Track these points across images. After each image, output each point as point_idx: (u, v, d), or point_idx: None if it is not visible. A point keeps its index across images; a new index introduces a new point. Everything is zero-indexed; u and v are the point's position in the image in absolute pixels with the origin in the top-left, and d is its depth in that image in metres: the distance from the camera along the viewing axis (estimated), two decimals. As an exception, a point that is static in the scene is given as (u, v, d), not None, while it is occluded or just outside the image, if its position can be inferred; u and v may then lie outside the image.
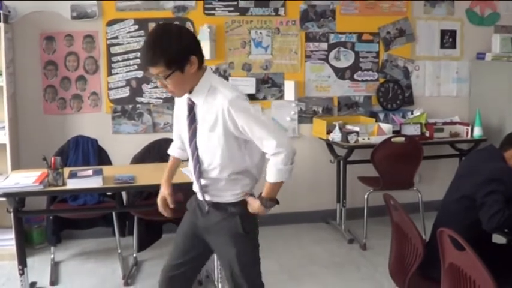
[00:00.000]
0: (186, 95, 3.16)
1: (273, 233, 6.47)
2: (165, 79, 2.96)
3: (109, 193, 5.43)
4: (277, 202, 3.27)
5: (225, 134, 3.09)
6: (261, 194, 3.22)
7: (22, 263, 4.70)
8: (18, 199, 4.53)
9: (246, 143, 3.16)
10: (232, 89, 3.12)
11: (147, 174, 4.77)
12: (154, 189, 5.07)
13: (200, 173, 3.25)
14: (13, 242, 5.74)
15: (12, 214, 4.62)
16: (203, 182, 3.27)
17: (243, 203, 3.25)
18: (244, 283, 3.30)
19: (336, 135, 6.14)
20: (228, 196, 3.25)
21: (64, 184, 4.45)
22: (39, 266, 4.52)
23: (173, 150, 3.71)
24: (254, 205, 3.23)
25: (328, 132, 6.27)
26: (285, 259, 5.79)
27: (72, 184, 4.44)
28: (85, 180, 4.48)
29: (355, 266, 5.64)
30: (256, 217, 3.32)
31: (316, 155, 6.69)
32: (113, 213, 5.49)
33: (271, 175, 3.14)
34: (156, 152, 5.52)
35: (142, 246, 5.55)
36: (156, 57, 2.92)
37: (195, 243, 3.41)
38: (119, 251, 5.72)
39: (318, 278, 5.36)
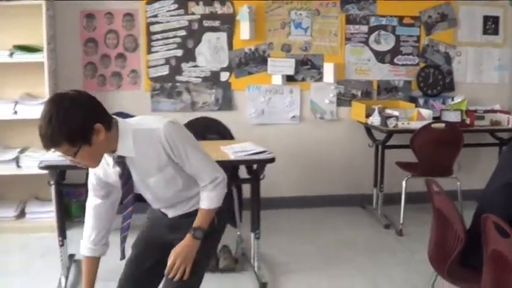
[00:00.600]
0: (107, 157, 2.89)
1: (308, 215, 6.50)
2: (74, 157, 2.68)
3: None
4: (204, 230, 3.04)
5: (174, 163, 2.92)
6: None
7: (62, 234, 4.75)
8: (59, 172, 4.57)
9: None
10: (157, 119, 2.89)
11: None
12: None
13: (160, 205, 3.13)
14: (52, 215, 5.86)
15: (53, 187, 4.66)
16: (164, 210, 3.16)
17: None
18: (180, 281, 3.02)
19: (375, 119, 6.08)
20: (193, 206, 3.11)
21: (104, 159, 4.46)
22: (77, 238, 4.50)
23: (86, 248, 3.15)
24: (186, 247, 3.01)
25: (367, 115, 6.22)
26: (320, 242, 5.77)
27: (111, 158, 4.46)
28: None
29: (391, 252, 5.59)
30: (219, 229, 3.25)
31: (354, 139, 6.65)
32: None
33: (210, 201, 3.00)
34: (195, 131, 5.47)
35: None
36: (55, 137, 2.59)
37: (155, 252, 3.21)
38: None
39: (353, 262, 5.33)
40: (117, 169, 2.88)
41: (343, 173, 6.75)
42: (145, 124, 2.85)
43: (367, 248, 5.68)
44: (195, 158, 2.91)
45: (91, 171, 3.00)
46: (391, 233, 6.03)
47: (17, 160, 5.96)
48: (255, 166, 4.87)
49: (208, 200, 2.98)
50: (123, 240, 3.08)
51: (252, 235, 4.95)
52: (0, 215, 6.06)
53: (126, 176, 2.89)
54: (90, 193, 3.06)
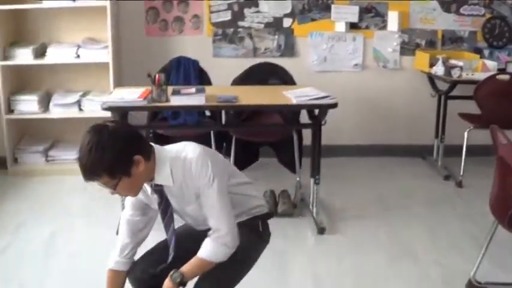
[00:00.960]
0: (145, 184, 2.83)
1: (368, 164, 6.49)
2: (114, 189, 2.66)
3: (208, 114, 5.52)
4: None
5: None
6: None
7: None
8: (121, 113, 4.63)
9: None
10: (188, 151, 2.76)
11: (249, 95, 4.79)
12: (256, 110, 5.16)
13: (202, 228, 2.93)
14: (112, 158, 5.94)
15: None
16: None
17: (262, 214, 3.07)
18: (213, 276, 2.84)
19: (438, 69, 5.99)
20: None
21: (167, 101, 4.51)
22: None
23: (116, 262, 3.02)
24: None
25: (431, 65, 6.12)
26: (379, 191, 5.78)
27: (175, 101, 4.51)
28: (188, 97, 4.55)
29: (450, 203, 5.57)
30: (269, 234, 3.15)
31: (417, 89, 6.56)
32: (211, 134, 5.56)
33: (205, 251, 2.79)
34: (257, 76, 5.54)
35: (238, 167, 5.51)
36: (94, 169, 2.56)
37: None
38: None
39: (411, 211, 5.33)
40: (155, 197, 2.84)
41: (404, 122, 6.70)
42: (181, 156, 2.75)
43: (426, 198, 5.66)
44: (211, 199, 2.76)
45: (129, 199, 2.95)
46: (451, 185, 5.98)
47: (78, 103, 6.09)
48: (316, 111, 4.86)
49: (205, 249, 2.79)
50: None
51: (312, 181, 4.97)
52: (61, 157, 6.22)
53: (164, 204, 2.84)
54: (128, 208, 2.96)
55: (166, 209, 2.83)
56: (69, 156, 6.15)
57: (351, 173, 6.25)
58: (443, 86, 6.19)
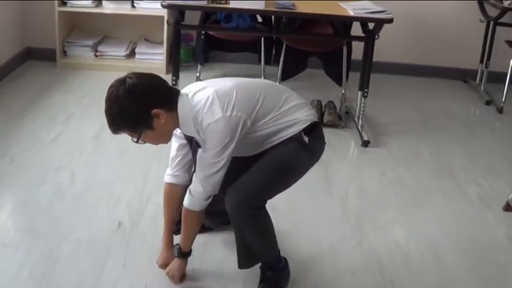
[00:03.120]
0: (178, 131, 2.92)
1: (413, 83, 6.56)
2: (137, 141, 2.75)
3: (260, 20, 5.54)
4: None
5: None
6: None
7: (176, 74, 4.93)
8: (179, 12, 4.68)
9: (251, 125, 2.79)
10: (216, 110, 2.69)
11: (305, 4, 4.80)
12: (315, 19, 5.18)
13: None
14: (161, 57, 6.06)
15: (172, 26, 4.80)
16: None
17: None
18: (265, 180, 2.85)
19: (491, -6, 5.96)
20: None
21: (227, 3, 4.55)
22: (184, 82, 4.70)
23: (166, 175, 3.16)
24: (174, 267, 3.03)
25: (483, -10, 6.09)
26: (421, 110, 5.84)
27: (235, 4, 4.54)
28: (248, 1, 4.56)
29: (490, 127, 5.65)
30: (322, 143, 3.04)
31: (466, 12, 6.50)
32: (262, 39, 5.59)
33: (187, 200, 2.87)
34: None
35: (286, 75, 5.59)
36: (116, 127, 2.68)
37: None
38: (263, 77, 5.80)
39: (451, 131, 5.41)
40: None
41: (450, 45, 6.68)
42: (202, 113, 2.70)
43: (466, 120, 5.73)
44: (213, 155, 2.72)
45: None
46: (492, 110, 6.02)
47: (132, 0, 6.11)
48: (371, 26, 4.88)
49: (187, 197, 2.86)
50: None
51: (360, 93, 5.04)
52: (112, 53, 6.30)
53: (194, 147, 2.90)
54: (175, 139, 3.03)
55: (196, 149, 2.88)
56: (118, 53, 6.26)
57: (394, 91, 6.29)
58: (493, 12, 6.15)
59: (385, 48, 6.20)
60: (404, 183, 4.37)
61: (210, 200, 2.84)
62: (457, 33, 6.63)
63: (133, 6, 6.09)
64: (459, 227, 3.85)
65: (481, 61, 6.45)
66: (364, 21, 4.94)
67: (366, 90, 4.98)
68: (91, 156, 4.39)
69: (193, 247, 3.04)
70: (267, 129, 2.83)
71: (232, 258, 3.17)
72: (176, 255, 3.03)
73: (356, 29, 5.25)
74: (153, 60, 6.21)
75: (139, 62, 6.25)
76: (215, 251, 3.37)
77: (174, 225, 3.17)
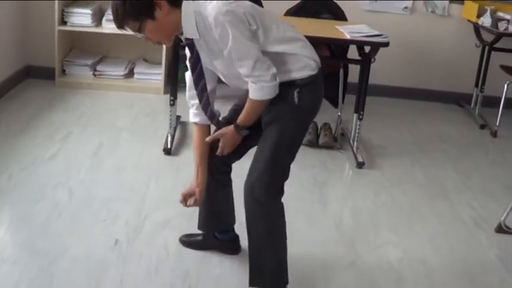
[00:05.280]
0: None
1: (408, 106, 6.64)
2: (140, 32, 2.77)
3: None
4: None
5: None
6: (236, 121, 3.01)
7: (173, 94, 4.99)
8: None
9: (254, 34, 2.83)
10: (218, 3, 2.74)
11: (302, 27, 4.83)
12: (311, 42, 5.21)
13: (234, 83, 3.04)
14: (159, 77, 6.13)
15: (170, 47, 4.88)
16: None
17: (304, 79, 2.96)
18: (262, 170, 2.96)
19: (485, 20, 6.03)
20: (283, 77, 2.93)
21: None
22: (182, 102, 4.77)
23: (193, 114, 3.18)
24: (227, 134, 3.03)
25: (478, 15, 6.15)
26: (416, 132, 5.90)
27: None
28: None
29: (484, 150, 5.71)
30: (318, 95, 3.12)
31: (462, 37, 6.61)
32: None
33: (253, 91, 2.86)
34: (310, 8, 5.57)
35: None
36: (120, 16, 2.72)
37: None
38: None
39: (446, 153, 5.47)
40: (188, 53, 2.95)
41: (446, 69, 6.77)
42: (205, 7, 2.75)
43: (461, 143, 5.79)
44: (239, 45, 2.76)
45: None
46: (486, 134, 6.09)
47: (131, 20, 6.16)
48: (367, 49, 4.96)
49: (252, 89, 2.86)
50: (217, 124, 3.08)
51: (355, 116, 5.11)
52: (110, 72, 6.35)
53: (195, 59, 2.92)
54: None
55: (196, 63, 2.93)
56: (116, 72, 6.32)
57: (390, 113, 6.36)
58: (488, 37, 6.25)
59: (382, 71, 6.28)
60: (398, 204, 4.42)
61: (277, 80, 2.83)
62: (453, 57, 6.72)
63: (132, 25, 6.13)
64: (452, 248, 3.90)
65: (476, 85, 6.54)
66: (360, 45, 5.01)
67: (361, 112, 5.05)
68: (89, 174, 4.42)
69: (187, 263, 3.09)
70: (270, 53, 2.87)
71: (228, 275, 3.23)
72: (238, 131, 3.00)
73: (353, 52, 5.32)
74: (151, 80, 6.28)
75: (137, 81, 6.32)
76: (211, 268, 3.41)
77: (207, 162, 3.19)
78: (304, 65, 2.97)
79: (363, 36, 4.78)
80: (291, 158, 3.05)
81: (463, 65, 6.72)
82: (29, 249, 3.45)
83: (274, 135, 2.94)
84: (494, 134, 6.01)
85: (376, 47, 4.81)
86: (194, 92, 3.04)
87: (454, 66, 6.76)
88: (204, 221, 3.46)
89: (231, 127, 3.00)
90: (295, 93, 2.92)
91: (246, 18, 2.76)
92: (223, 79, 3.04)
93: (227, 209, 3.44)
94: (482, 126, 6.22)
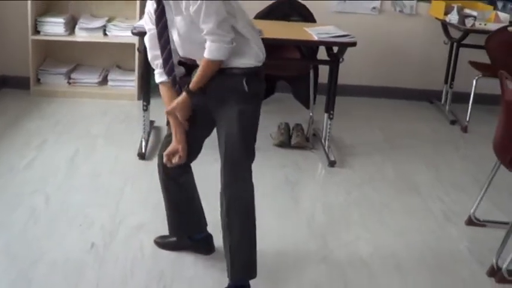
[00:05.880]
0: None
1: (379, 105, 6.75)
2: None
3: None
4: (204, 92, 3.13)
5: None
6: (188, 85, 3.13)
7: (146, 99, 5.04)
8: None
9: None
10: None
11: (272, 30, 4.95)
12: (279, 44, 5.30)
13: (185, 51, 3.19)
14: (133, 84, 6.18)
15: (142, 53, 4.90)
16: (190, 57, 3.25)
17: (252, 69, 3.13)
18: (241, 148, 3.12)
19: (453, 17, 6.15)
20: (229, 62, 3.10)
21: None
22: (155, 108, 4.85)
23: (158, 74, 3.27)
24: (179, 103, 3.13)
25: (446, 13, 6.27)
26: (387, 130, 6.00)
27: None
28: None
29: (455, 146, 5.82)
30: (263, 84, 3.26)
31: (430, 35, 6.73)
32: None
33: (209, 52, 3.00)
34: (279, 12, 5.66)
35: None
36: None
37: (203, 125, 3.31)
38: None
39: (417, 150, 5.58)
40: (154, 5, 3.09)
41: (416, 67, 6.89)
42: None
43: (431, 139, 5.90)
44: (205, 9, 2.92)
45: (146, 9, 3.18)
46: (456, 129, 6.22)
47: (104, 28, 6.25)
48: (335, 49, 5.05)
49: (211, 49, 2.99)
50: (173, 81, 3.20)
51: (326, 115, 5.20)
52: (84, 80, 6.40)
53: (160, 12, 3.06)
54: (145, 26, 3.20)
55: (161, 16, 3.07)
56: (90, 80, 6.37)
57: (361, 113, 6.47)
58: (456, 34, 6.37)
59: (353, 72, 6.39)
60: (369, 201, 4.52)
61: (233, 44, 3.00)
62: (422, 55, 6.85)
63: (105, 34, 6.23)
64: (422, 242, 4.00)
65: (446, 82, 6.66)
66: (328, 46, 5.12)
67: (331, 112, 5.14)
68: (65, 181, 4.47)
69: (162, 265, 3.16)
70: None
71: (202, 274, 3.31)
72: (185, 92, 3.10)
73: (322, 53, 5.41)
74: (125, 87, 6.34)
75: (111, 88, 6.38)
76: (186, 268, 3.47)
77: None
78: (254, 54, 3.13)
79: (330, 37, 4.88)
80: (255, 139, 3.23)
81: (433, 63, 6.84)
82: (6, 254, 3.50)
83: (237, 125, 3.08)
84: (464, 129, 6.14)
85: (343, 47, 4.91)
86: (157, 52, 3.17)
87: (424, 63, 6.88)
88: (174, 226, 3.54)
89: (182, 94, 3.11)
90: (244, 82, 3.08)
91: None
92: (176, 41, 3.13)
93: (195, 211, 3.52)
94: (453, 122, 6.34)
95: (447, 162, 5.34)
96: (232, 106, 3.10)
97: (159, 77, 3.23)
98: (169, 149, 3.22)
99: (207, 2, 2.89)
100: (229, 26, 2.99)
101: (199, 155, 3.38)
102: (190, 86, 3.09)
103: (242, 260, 3.16)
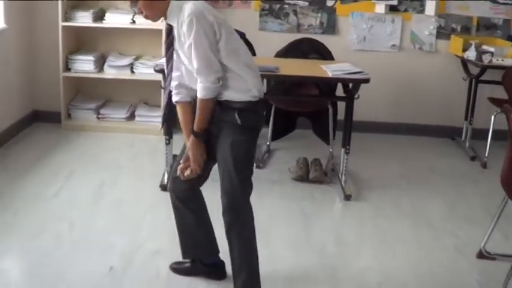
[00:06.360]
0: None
1: (398, 141, 6.81)
2: (135, 2, 3.26)
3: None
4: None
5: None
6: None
7: (169, 134, 5.21)
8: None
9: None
10: (195, 4, 3.27)
11: (289, 67, 5.14)
12: (296, 81, 5.49)
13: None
14: (159, 119, 6.35)
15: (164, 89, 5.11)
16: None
17: (245, 103, 3.38)
18: (235, 176, 3.34)
19: (470, 54, 6.22)
20: (225, 95, 3.38)
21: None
22: (178, 141, 5.00)
23: (174, 94, 3.56)
24: (190, 147, 3.42)
25: (464, 50, 6.34)
26: (406, 166, 6.07)
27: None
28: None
29: (473, 181, 5.84)
30: (258, 118, 3.51)
31: (450, 72, 6.81)
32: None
33: (199, 90, 3.31)
34: (298, 50, 5.87)
35: (276, 136, 6.06)
36: None
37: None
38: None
39: (435, 185, 5.63)
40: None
41: (435, 104, 6.95)
42: (188, 3, 3.26)
43: (450, 175, 5.94)
44: (198, 42, 3.23)
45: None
46: (476, 165, 6.25)
47: (131, 66, 6.51)
48: (351, 85, 5.21)
49: (199, 88, 3.30)
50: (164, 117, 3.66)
51: (343, 150, 5.32)
52: (113, 115, 6.66)
53: (169, 42, 3.39)
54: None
55: (169, 46, 3.41)
56: (119, 115, 6.62)
57: (381, 149, 6.55)
58: (474, 71, 6.45)
59: (372, 108, 6.53)
60: (381, 233, 4.61)
61: (220, 83, 3.30)
62: (442, 92, 6.92)
63: (132, 71, 6.50)
64: (432, 274, 4.07)
65: (466, 118, 6.73)
66: (342, 82, 5.28)
67: (347, 147, 5.26)
68: (89, 209, 4.70)
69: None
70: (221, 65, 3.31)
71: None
72: (193, 135, 3.38)
73: (341, 90, 5.55)
74: (151, 122, 6.56)
75: (138, 123, 6.61)
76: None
77: None
78: (247, 90, 3.37)
79: (343, 74, 5.04)
80: (250, 169, 3.47)
81: (453, 99, 6.91)
82: (30, 275, 3.77)
83: (230, 154, 3.33)
84: (484, 165, 6.18)
85: (357, 83, 5.07)
86: (172, 75, 3.48)
87: (444, 100, 6.95)
88: (184, 249, 3.73)
89: (191, 138, 3.39)
90: (236, 115, 3.34)
91: (213, 25, 3.25)
92: (183, 71, 3.45)
93: (205, 235, 3.70)
94: (473, 158, 6.38)
95: (464, 198, 5.39)
96: (227, 137, 3.36)
97: (174, 96, 3.52)
98: (183, 164, 3.46)
99: (195, 42, 3.21)
100: (216, 66, 3.26)
101: (216, 183, 3.52)
102: (194, 127, 3.37)
103: (242, 283, 3.40)
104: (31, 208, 4.65)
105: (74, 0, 6.53)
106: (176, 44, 3.37)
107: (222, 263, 3.74)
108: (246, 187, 3.42)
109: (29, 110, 6.64)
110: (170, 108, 3.59)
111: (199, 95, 3.30)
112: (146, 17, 3.35)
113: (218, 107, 3.37)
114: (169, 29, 3.38)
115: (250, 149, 3.46)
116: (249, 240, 3.42)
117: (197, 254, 3.75)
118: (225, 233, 3.40)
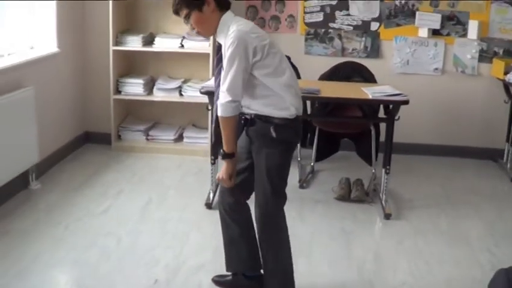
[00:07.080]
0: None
1: (440, 163, 6.87)
2: (188, 18, 3.45)
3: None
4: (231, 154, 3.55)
5: None
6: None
7: (215, 154, 5.36)
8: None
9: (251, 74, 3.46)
10: (241, 25, 3.45)
11: (332, 89, 5.29)
12: (336, 102, 5.64)
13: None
14: (206, 141, 6.55)
15: (210, 112, 5.32)
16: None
17: (282, 119, 3.51)
18: (268, 187, 3.54)
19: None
20: (265, 111, 3.53)
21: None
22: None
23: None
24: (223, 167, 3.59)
25: (506, 73, 6.39)
26: (447, 187, 6.14)
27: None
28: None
29: (513, 203, 5.91)
30: (293, 132, 3.62)
31: (492, 94, 6.87)
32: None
33: (218, 107, 3.47)
34: (342, 73, 6.04)
35: (319, 157, 6.21)
36: (178, 2, 3.46)
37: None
38: (299, 159, 6.40)
39: (474, 205, 5.69)
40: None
41: (477, 126, 7.01)
42: (234, 24, 3.44)
43: (490, 196, 6.00)
44: (226, 69, 3.40)
45: None
46: (517, 187, 6.30)
47: (179, 89, 6.73)
48: (391, 107, 5.34)
49: (218, 105, 3.48)
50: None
51: (383, 170, 5.43)
52: (162, 137, 6.88)
53: (218, 58, 3.62)
54: None
55: (218, 62, 3.68)
56: (167, 137, 6.83)
57: (422, 170, 6.64)
58: (516, 93, 6.52)
59: (416, 130, 6.65)
60: (419, 251, 4.71)
61: (237, 104, 3.44)
62: (484, 114, 6.97)
63: (181, 94, 6.71)
64: (467, 289, 4.17)
65: (507, 140, 6.78)
66: (381, 104, 5.46)
67: (388, 167, 5.37)
68: (137, 225, 4.91)
69: None
70: (262, 84, 3.48)
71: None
72: (221, 158, 3.57)
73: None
74: (199, 143, 6.76)
75: (186, 145, 6.81)
76: None
77: None
78: (285, 108, 3.51)
79: (383, 96, 5.19)
80: (284, 179, 3.65)
81: (495, 121, 6.96)
82: (78, 287, 3.95)
83: (264, 164, 3.52)
84: (525, 187, 6.23)
85: (396, 105, 5.20)
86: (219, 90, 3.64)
87: (486, 122, 7.00)
88: (227, 260, 3.90)
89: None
90: (271, 129, 3.50)
91: (255, 49, 3.40)
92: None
93: (248, 248, 3.83)
94: (514, 180, 6.44)
95: (502, 218, 5.44)
96: (262, 149, 3.54)
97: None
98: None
99: (230, 63, 3.39)
100: (239, 91, 3.41)
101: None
102: (225, 149, 3.54)
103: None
104: (81, 223, 4.89)
105: (125, 25, 6.79)
106: (224, 61, 3.53)
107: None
108: (279, 197, 3.61)
109: (80, 131, 6.90)
110: (216, 125, 3.79)
111: (218, 112, 3.48)
112: (198, 33, 3.60)
113: (259, 122, 3.53)
114: (219, 46, 3.61)
115: (283, 161, 3.61)
116: (280, 249, 3.60)
117: (240, 267, 3.90)
118: (258, 242, 3.62)
